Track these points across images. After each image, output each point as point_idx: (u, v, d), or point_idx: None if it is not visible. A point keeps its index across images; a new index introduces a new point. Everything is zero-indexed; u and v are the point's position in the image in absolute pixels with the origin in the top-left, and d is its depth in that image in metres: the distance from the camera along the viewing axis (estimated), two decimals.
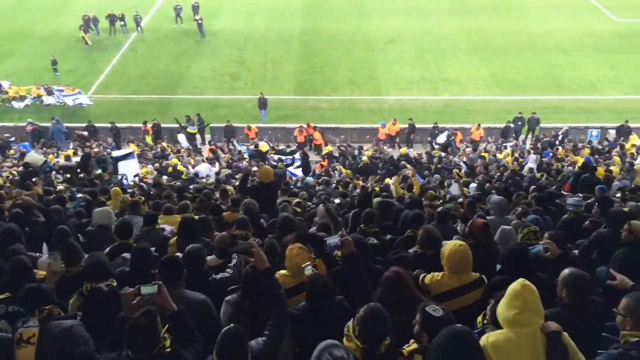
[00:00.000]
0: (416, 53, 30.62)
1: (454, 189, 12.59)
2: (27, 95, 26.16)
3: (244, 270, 4.22)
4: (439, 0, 37.15)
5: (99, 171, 15.96)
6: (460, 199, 9.61)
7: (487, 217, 7.61)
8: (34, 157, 16.69)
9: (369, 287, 4.27)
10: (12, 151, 21.18)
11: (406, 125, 23.41)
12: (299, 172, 18.83)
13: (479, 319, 3.91)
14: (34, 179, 12.19)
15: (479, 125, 23.04)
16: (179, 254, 5.15)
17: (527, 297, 3.32)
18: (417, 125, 23.48)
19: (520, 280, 3.41)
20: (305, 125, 23.14)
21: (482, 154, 19.90)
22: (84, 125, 23.61)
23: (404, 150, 20.90)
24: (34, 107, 26.00)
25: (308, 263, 4.53)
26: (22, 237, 6.25)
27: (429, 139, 23.52)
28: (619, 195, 10.23)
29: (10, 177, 15.39)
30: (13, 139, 22.94)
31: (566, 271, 3.99)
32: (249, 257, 4.19)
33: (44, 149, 21.52)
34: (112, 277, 4.67)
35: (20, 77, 27.61)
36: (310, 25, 33.96)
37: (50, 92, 25.92)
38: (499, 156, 19.60)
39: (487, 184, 12.68)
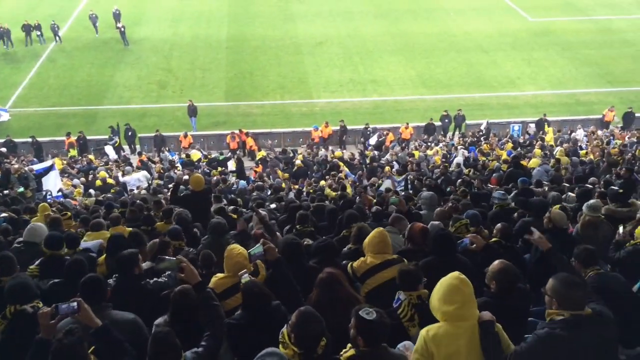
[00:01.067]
0: (344, 55, 31.08)
1: (387, 184, 12.90)
2: None
3: (172, 295, 4.07)
4: (364, 4, 37.95)
5: (21, 189, 15.12)
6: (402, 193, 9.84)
7: (420, 212, 7.87)
8: None
9: (298, 290, 4.29)
10: None
11: (338, 127, 23.68)
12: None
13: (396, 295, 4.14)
14: None
15: (407, 124, 23.64)
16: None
17: (465, 290, 3.42)
18: (348, 127, 23.80)
19: (456, 273, 3.50)
20: (237, 132, 22.94)
21: (413, 152, 20.45)
22: (1, 140, 22.33)
23: (338, 153, 21.14)
24: None
25: (245, 270, 4.50)
26: None
27: (361, 139, 23.90)
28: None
29: None
30: None
31: (495, 263, 4.16)
32: (179, 272, 4.11)
33: None
34: (37, 298, 4.44)
35: None
36: (237, 31, 33.75)
37: None
38: (429, 153, 20.20)
39: (418, 181, 13.05)
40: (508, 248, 5.70)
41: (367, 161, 19.36)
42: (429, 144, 22.68)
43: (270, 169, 19.52)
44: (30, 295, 4.36)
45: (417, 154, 19.87)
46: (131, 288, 4.72)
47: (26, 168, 17.64)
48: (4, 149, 21.82)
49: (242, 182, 17.57)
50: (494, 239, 5.85)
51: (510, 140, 21.41)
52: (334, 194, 11.19)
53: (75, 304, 3.51)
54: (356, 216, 6.77)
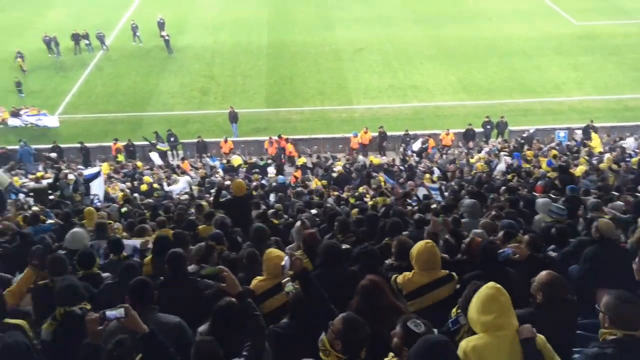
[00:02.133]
0: (383, 61, 30.98)
1: (421, 192, 12.77)
2: None
3: (215, 306, 4.11)
4: (403, 9, 37.76)
5: (70, 192, 15.66)
6: (434, 205, 9.71)
7: (462, 220, 7.75)
8: (1, 177, 16.28)
9: (328, 302, 4.23)
10: None
11: (377, 134, 23.61)
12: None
13: (454, 310, 4.00)
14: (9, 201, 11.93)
15: (448, 130, 23.36)
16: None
17: (502, 300, 3.38)
18: (388, 133, 23.70)
19: (492, 284, 3.46)
20: (275, 137, 23.16)
21: (453, 158, 20.20)
22: (49, 146, 23.20)
23: (375, 159, 21.07)
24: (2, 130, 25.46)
25: (288, 278, 4.53)
26: None
27: (402, 145, 23.76)
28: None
29: None
30: None
31: (543, 274, 4.08)
32: (220, 282, 4.16)
33: (12, 172, 21.00)
34: (85, 300, 4.59)
35: None
36: (277, 38, 34.09)
37: (15, 115, 25.40)
38: (471, 160, 19.89)
39: (461, 189, 12.84)
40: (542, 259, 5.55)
41: (407, 167, 19.22)
42: (470, 150, 22.34)
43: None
44: (79, 298, 4.51)
45: (457, 161, 19.63)
46: (182, 286, 4.88)
47: (75, 173, 18.27)
48: (54, 155, 22.67)
49: (281, 177, 17.79)
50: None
51: (554, 147, 20.87)
52: (378, 200, 11.15)
53: (122, 310, 3.56)
54: (399, 224, 6.72)
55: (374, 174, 18.41)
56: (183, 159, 22.34)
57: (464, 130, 23.74)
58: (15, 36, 34.04)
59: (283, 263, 4.36)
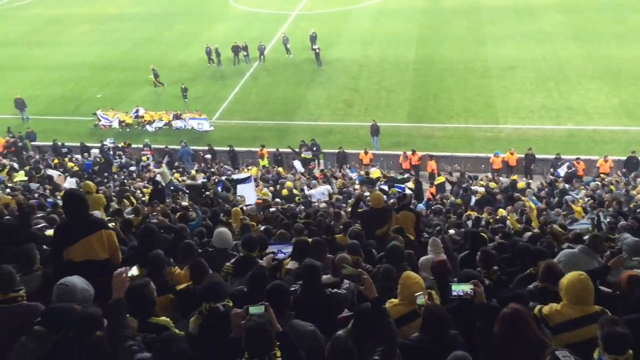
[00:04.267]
0: (537, 80, 29.31)
1: (577, 226, 11.79)
2: (159, 120, 28.59)
3: (358, 307, 4.18)
4: (562, 25, 35.41)
5: (221, 192, 16.87)
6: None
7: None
8: (165, 173, 18.03)
9: (394, 333, 4.08)
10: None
11: (524, 155, 22.37)
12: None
13: (595, 353, 3.65)
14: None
15: (606, 157, 21.44)
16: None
17: None
18: (537, 156, 22.35)
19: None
20: (410, 152, 23.02)
21: (611, 187, 18.45)
22: (206, 148, 25.30)
23: (521, 182, 19.98)
24: (164, 131, 28.31)
25: (420, 292, 4.47)
26: None
27: (550, 170, 22.27)
28: None
29: (141, 195, 16.79)
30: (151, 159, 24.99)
31: None
32: (359, 284, 4.23)
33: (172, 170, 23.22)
34: (228, 297, 4.87)
35: (154, 103, 30.33)
36: (426, 53, 33.83)
37: (178, 118, 28.16)
38: (632, 192, 18.00)
39: (621, 221, 11.66)
40: None
41: (556, 193, 17.96)
42: (631, 180, 20.24)
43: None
44: (223, 295, 4.80)
45: (613, 189, 17.92)
46: (314, 295, 4.98)
47: (226, 174, 19.68)
48: (208, 156, 24.69)
49: (420, 205, 17.46)
50: None
51: None
52: (518, 226, 10.53)
53: (263, 307, 3.81)
54: (544, 253, 6.29)
55: (518, 196, 17.47)
56: (322, 171, 23.01)
57: (625, 158, 21.63)
58: (183, 47, 37.72)
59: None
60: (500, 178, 21.75)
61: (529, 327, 3.85)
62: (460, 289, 4.25)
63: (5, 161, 23.24)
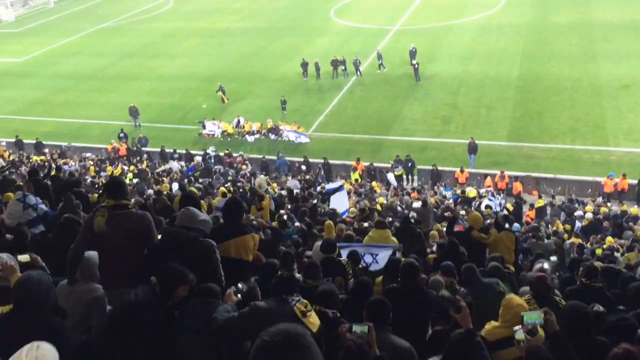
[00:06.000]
0: None
1: None
2: (258, 131, 29.65)
3: (451, 338, 4.08)
4: None
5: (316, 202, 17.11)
6: None
7: None
8: (262, 181, 18.59)
9: None
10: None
11: (636, 181, 20.77)
12: None
13: None
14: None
15: None
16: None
17: None
18: None
19: None
20: (499, 172, 22.40)
21: None
22: (302, 159, 25.84)
23: (634, 209, 18.56)
24: (263, 142, 29.28)
25: (519, 327, 4.29)
26: None
27: None
28: None
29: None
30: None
31: None
32: (455, 312, 4.14)
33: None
34: (339, 308, 4.94)
35: (255, 114, 31.41)
36: (530, 70, 32.47)
37: (275, 131, 29.02)
38: None
39: None
40: None
41: None
42: None
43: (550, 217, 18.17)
44: (336, 303, 4.94)
45: None
46: (413, 297, 5.18)
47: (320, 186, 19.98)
48: (304, 167, 25.22)
49: (516, 225, 16.73)
50: None
51: None
52: (630, 256, 9.81)
53: (366, 327, 3.78)
54: None
55: (628, 224, 16.24)
56: (414, 189, 22.69)
57: None
58: (285, 60, 38.85)
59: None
60: (608, 204, 20.34)
61: None
62: (531, 319, 4.05)
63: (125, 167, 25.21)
